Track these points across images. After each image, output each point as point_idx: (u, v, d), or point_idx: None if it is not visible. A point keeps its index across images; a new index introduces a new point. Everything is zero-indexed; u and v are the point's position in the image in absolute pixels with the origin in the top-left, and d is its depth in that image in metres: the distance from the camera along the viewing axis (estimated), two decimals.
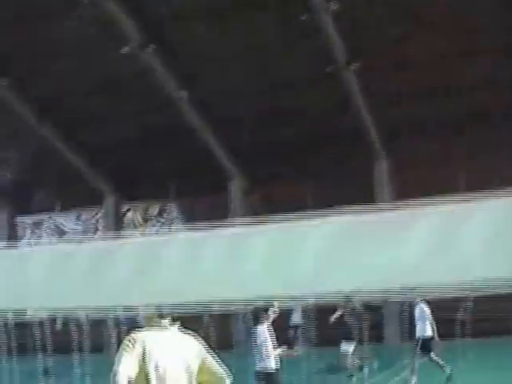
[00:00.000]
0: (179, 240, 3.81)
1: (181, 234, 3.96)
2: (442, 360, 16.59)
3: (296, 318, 26.59)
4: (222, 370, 5.58)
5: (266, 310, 12.30)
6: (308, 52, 26.81)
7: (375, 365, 19.74)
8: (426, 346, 17.08)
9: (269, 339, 12.17)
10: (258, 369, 12.22)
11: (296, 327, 26.67)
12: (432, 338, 17.20)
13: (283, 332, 18.97)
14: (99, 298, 3.97)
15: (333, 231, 3.40)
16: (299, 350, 23.08)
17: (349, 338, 19.09)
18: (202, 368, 5.48)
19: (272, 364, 12.12)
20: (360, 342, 18.99)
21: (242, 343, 24.77)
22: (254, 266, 3.49)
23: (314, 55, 26.81)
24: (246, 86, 28.19)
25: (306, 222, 3.53)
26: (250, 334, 12.94)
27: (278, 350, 12.34)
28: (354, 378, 18.46)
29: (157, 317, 5.30)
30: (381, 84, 26.99)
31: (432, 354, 16.92)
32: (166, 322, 5.35)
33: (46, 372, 19.80)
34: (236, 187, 32.83)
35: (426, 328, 17.20)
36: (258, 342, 12.19)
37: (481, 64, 25.95)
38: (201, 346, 5.53)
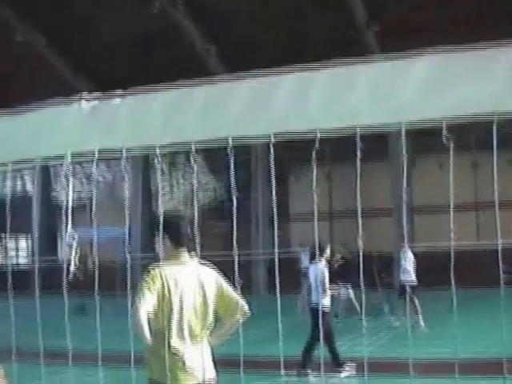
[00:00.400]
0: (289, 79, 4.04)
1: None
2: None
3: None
4: (239, 297, 5.54)
5: (323, 248, 12.72)
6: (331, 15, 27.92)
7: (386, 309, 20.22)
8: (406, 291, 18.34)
9: (327, 277, 12.44)
10: (313, 306, 12.47)
11: None
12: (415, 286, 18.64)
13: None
14: (214, 131, 4.17)
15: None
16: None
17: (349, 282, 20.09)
18: (220, 295, 5.50)
19: (327, 302, 12.42)
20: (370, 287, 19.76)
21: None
22: (361, 95, 3.82)
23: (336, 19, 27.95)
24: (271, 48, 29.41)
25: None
26: (308, 272, 13.23)
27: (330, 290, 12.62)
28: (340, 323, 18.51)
29: (175, 249, 5.42)
30: (401, 47, 27.86)
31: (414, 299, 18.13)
32: (185, 255, 5.44)
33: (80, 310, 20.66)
34: None
35: (411, 274, 18.59)
36: (317, 279, 12.42)
37: None
38: (218, 275, 5.54)
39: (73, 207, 5.09)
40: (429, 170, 30.94)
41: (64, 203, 19.99)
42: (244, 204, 32.21)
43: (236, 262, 4.29)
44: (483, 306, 19.71)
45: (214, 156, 33.15)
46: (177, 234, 5.41)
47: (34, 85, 31.35)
